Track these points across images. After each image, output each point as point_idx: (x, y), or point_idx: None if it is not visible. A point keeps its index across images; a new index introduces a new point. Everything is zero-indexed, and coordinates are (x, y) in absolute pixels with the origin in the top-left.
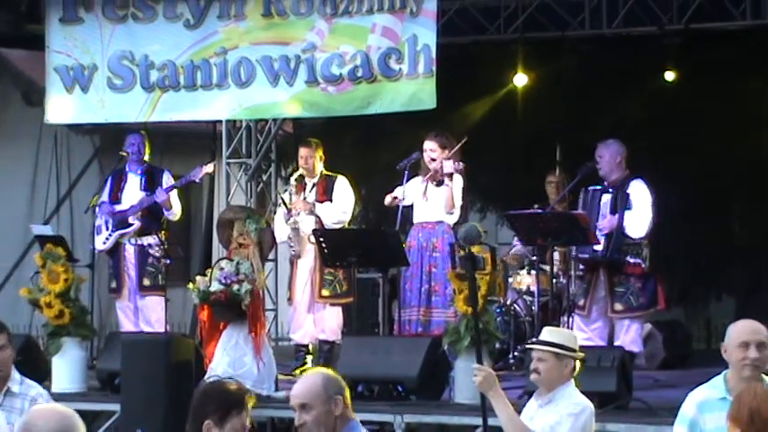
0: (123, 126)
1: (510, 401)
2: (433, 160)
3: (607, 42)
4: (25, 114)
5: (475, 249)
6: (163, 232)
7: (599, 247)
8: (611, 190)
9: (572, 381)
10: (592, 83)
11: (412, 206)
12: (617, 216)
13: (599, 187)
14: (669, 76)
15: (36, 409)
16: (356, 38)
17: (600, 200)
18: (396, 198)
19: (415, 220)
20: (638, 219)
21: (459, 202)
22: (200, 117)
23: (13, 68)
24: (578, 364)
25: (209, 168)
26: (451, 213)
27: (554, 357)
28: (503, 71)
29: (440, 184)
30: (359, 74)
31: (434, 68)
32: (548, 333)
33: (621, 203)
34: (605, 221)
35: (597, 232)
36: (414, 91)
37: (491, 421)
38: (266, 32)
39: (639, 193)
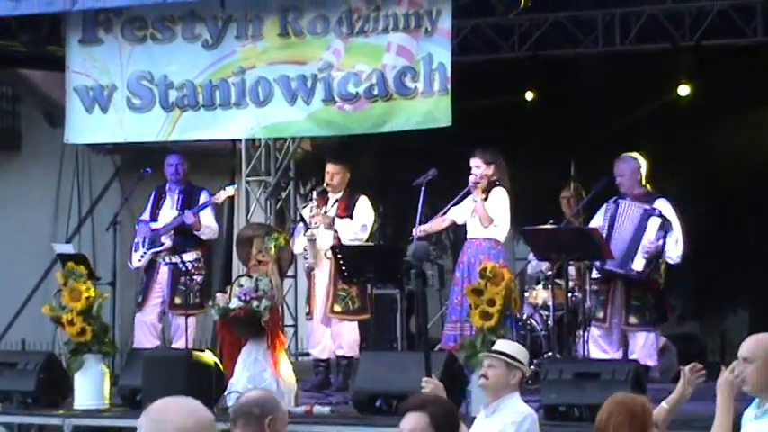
0: (144, 146)
1: None
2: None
3: (620, 59)
4: (47, 134)
5: None
6: (200, 250)
7: (638, 266)
8: (658, 212)
9: (517, 392)
10: (605, 99)
11: (465, 224)
12: (661, 243)
13: (648, 206)
14: (682, 91)
15: (162, 403)
16: (372, 57)
17: (648, 222)
18: (440, 221)
19: (468, 236)
20: (677, 243)
21: (498, 215)
22: (219, 136)
23: (35, 89)
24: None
25: (230, 192)
26: (486, 227)
27: (504, 365)
28: (517, 89)
29: (485, 199)
30: (375, 92)
31: (449, 86)
32: (501, 344)
33: (665, 229)
34: (653, 246)
35: (640, 251)
36: (429, 109)
37: None
38: (283, 52)
39: (671, 215)
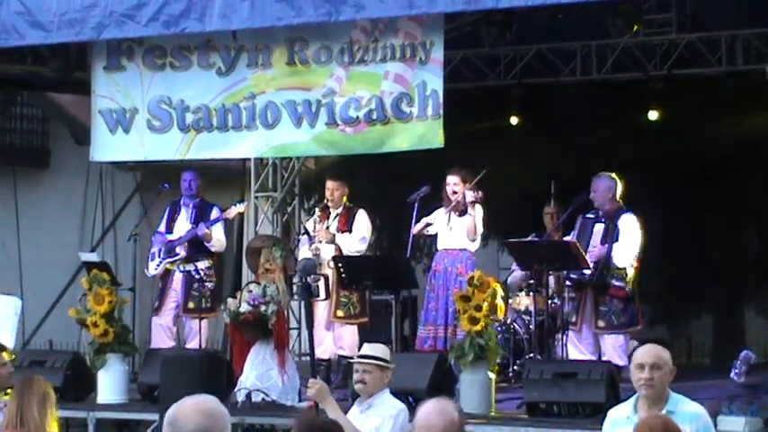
0: (162, 163)
1: (508, 412)
2: (455, 192)
3: (596, 87)
4: (75, 152)
5: None
6: (210, 260)
7: (586, 270)
8: (603, 220)
9: (387, 388)
10: (582, 123)
11: (436, 235)
12: (606, 246)
13: (592, 216)
14: (652, 115)
15: (179, 405)
16: (371, 84)
17: (593, 228)
18: (428, 225)
19: (440, 246)
20: (625, 249)
21: (480, 229)
22: (231, 155)
23: (63, 111)
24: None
25: (240, 208)
26: (473, 240)
27: (378, 369)
28: (503, 113)
29: (462, 214)
30: (374, 116)
31: (442, 111)
32: (369, 348)
33: (611, 235)
34: (595, 250)
35: (587, 257)
36: (423, 131)
37: None
38: (290, 79)
39: (628, 225)
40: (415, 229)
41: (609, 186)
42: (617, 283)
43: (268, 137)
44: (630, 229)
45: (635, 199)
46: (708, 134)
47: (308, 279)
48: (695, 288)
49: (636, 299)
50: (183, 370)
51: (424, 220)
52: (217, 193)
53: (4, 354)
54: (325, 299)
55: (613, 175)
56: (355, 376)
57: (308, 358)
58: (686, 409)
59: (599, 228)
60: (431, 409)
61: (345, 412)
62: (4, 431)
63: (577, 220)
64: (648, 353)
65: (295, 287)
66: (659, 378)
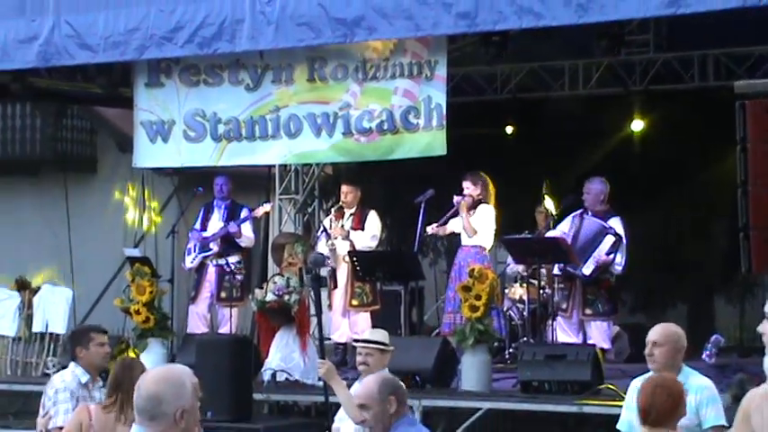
0: (197, 169)
1: (500, 390)
2: (464, 196)
3: (582, 101)
4: (119, 160)
5: None
6: (240, 255)
7: (587, 271)
8: (612, 231)
9: (386, 368)
10: (570, 132)
11: (460, 234)
12: (611, 257)
13: (606, 225)
14: (634, 126)
15: (145, 373)
16: (382, 98)
17: (604, 238)
18: (443, 228)
19: (461, 243)
20: (622, 257)
21: (483, 227)
22: (258, 162)
23: (109, 123)
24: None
25: (267, 208)
26: (471, 237)
27: (379, 352)
28: (499, 124)
29: (473, 214)
30: (384, 127)
31: (445, 122)
32: (370, 333)
33: (616, 246)
34: (602, 259)
35: (591, 260)
36: (428, 141)
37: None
38: (311, 94)
39: (621, 233)
40: (436, 229)
41: (601, 190)
42: (603, 276)
43: (291, 145)
44: (623, 235)
45: (618, 200)
46: (684, 144)
47: (319, 271)
48: (671, 280)
49: (618, 291)
50: (215, 352)
51: (450, 229)
52: (245, 195)
53: (105, 335)
54: (334, 288)
55: (604, 179)
56: (358, 358)
57: (326, 342)
58: (694, 382)
59: (609, 240)
60: (363, 381)
61: None
62: (107, 413)
63: (571, 219)
64: (653, 331)
65: (305, 278)
66: (660, 353)
